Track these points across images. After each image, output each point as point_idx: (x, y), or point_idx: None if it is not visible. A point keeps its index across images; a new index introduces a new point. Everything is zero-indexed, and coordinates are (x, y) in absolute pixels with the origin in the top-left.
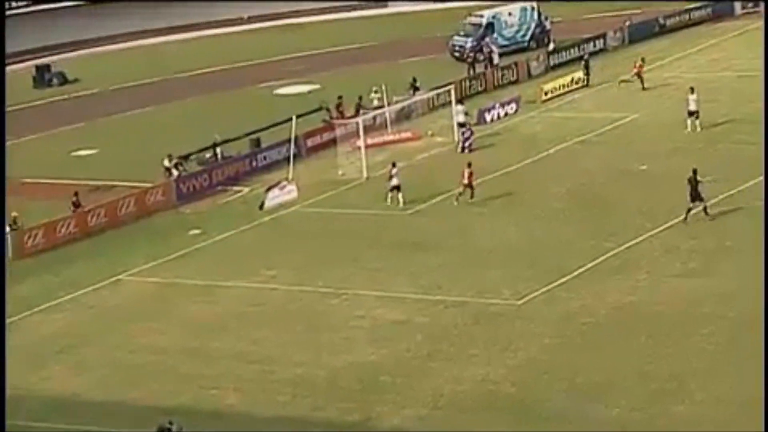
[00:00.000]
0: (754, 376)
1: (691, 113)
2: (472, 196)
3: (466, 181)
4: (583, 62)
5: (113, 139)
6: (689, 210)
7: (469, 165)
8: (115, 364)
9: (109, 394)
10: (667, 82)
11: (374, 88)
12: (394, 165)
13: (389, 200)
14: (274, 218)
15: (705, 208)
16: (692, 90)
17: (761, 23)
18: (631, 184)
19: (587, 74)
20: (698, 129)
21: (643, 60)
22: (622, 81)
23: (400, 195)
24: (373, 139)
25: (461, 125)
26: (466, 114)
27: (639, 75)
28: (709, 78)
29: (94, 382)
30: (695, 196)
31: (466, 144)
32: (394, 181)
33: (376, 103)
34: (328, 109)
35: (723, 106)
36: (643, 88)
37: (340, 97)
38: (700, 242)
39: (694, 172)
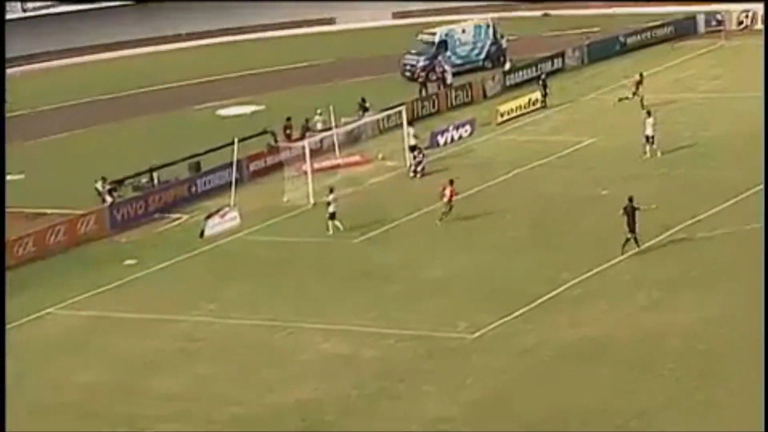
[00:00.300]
0: (724, 412)
1: (648, 138)
2: (441, 218)
3: (446, 200)
4: (540, 82)
5: (42, 163)
6: (635, 240)
7: (452, 182)
8: (40, 405)
9: None
10: (629, 104)
11: (318, 110)
12: (331, 191)
13: (330, 229)
14: (215, 247)
15: (635, 239)
16: (649, 113)
17: (725, 42)
18: (591, 210)
19: (545, 95)
20: (658, 154)
21: (641, 75)
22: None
23: (337, 222)
24: (321, 164)
25: (413, 148)
26: (416, 137)
27: (635, 93)
28: (671, 99)
29: (15, 425)
30: (633, 227)
31: (419, 168)
32: (331, 209)
33: (320, 126)
34: (273, 133)
35: (686, 128)
36: (613, 104)
37: (288, 119)
38: (663, 272)
39: (630, 200)
